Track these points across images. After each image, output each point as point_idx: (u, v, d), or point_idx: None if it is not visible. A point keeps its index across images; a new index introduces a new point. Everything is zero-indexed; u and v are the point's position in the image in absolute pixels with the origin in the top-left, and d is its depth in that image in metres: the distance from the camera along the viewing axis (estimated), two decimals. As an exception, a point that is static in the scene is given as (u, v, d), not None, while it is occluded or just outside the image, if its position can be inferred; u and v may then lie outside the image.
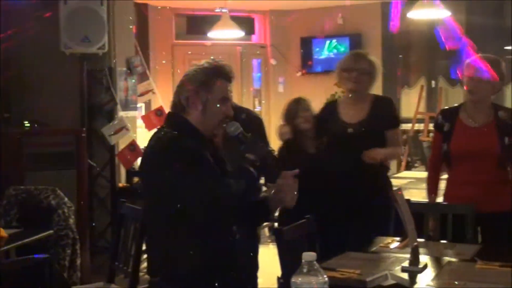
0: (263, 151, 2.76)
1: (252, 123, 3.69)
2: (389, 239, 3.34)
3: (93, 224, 5.70)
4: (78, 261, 4.71)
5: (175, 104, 2.71)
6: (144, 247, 3.32)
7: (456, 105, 3.82)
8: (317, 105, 4.34)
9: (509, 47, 8.97)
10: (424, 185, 5.44)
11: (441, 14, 6.70)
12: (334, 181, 3.85)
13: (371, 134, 3.82)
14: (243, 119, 3.61)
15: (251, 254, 2.79)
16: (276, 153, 4.16)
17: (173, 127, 2.65)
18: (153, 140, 2.66)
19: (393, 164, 8.41)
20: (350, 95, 3.97)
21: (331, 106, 4.07)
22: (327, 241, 3.33)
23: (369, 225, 3.69)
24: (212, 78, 2.67)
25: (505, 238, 3.42)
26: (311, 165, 3.90)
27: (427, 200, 3.86)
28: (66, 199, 4.74)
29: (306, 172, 3.84)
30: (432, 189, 3.82)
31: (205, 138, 2.70)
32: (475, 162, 3.54)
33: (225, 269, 2.59)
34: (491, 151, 3.53)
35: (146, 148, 2.72)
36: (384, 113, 3.90)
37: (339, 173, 3.82)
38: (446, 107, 4.04)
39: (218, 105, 2.67)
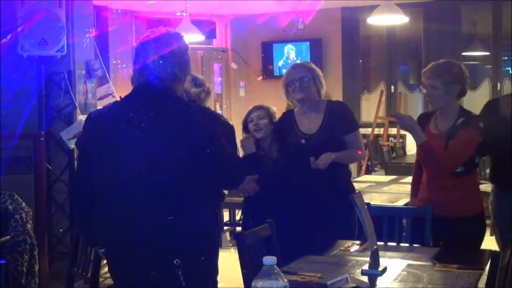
0: None
1: (225, 130, 3.67)
2: (349, 242, 3.36)
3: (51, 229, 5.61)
4: (36, 267, 4.63)
5: (161, 79, 2.54)
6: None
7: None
8: (278, 109, 4.35)
9: (466, 53, 9.14)
10: (385, 188, 5.51)
11: (399, 20, 6.80)
12: (295, 186, 3.86)
13: (329, 141, 3.80)
14: None
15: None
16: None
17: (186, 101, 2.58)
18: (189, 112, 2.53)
19: (353, 169, 8.49)
20: (302, 106, 3.95)
21: (288, 116, 4.04)
22: (288, 245, 3.33)
23: (332, 229, 3.69)
24: (187, 45, 2.67)
25: (460, 243, 3.46)
26: (275, 170, 3.91)
27: (390, 203, 3.86)
28: (23, 204, 4.66)
29: (270, 176, 3.88)
30: (414, 191, 3.83)
31: None
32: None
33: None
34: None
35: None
36: (340, 119, 3.86)
37: (299, 180, 3.84)
38: (425, 112, 4.07)
39: None
